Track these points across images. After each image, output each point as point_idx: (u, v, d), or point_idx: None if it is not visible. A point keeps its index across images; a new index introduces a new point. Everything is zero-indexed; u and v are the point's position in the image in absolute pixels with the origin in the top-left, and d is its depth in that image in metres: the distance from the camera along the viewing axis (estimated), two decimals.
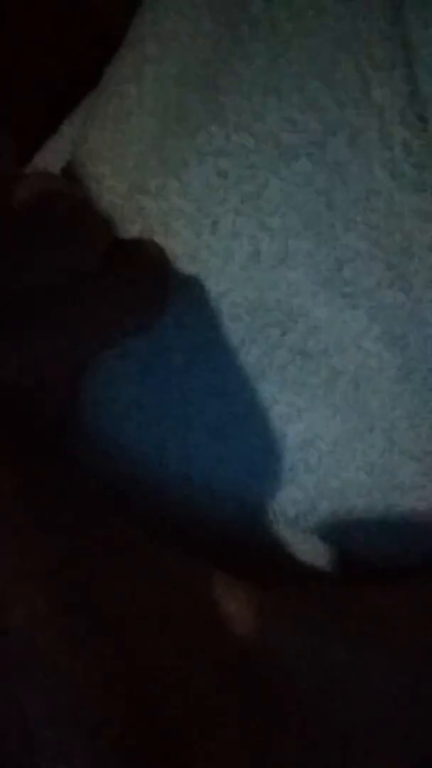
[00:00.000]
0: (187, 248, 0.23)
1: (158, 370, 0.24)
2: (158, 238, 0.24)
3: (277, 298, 0.23)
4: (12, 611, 0.16)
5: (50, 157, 0.28)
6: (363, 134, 0.22)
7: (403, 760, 0.20)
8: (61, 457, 0.25)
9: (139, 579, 0.19)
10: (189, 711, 0.17)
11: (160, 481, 0.25)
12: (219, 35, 0.24)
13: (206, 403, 0.24)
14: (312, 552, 0.25)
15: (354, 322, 0.23)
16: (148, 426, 0.24)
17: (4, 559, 0.17)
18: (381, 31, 0.22)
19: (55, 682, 0.16)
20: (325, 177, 0.23)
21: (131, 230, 0.24)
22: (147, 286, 0.23)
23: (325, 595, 0.23)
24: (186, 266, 0.23)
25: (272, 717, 0.19)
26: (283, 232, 0.23)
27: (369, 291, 0.22)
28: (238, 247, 0.23)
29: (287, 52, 0.23)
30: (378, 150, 0.22)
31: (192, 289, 0.24)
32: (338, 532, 0.25)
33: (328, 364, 0.23)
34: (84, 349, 0.22)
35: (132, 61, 0.26)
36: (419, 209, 0.22)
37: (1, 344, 0.19)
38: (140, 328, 0.23)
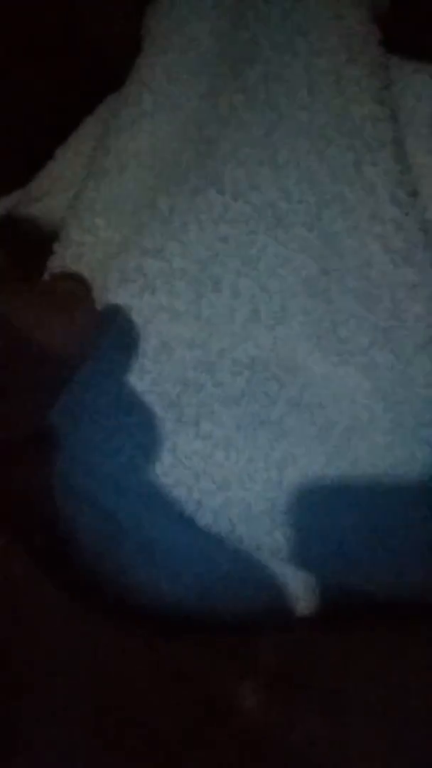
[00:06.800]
0: (189, 306, 0.24)
1: (167, 424, 0.25)
2: (160, 296, 0.25)
3: (275, 355, 0.25)
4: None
5: (46, 183, 0.29)
6: (356, 209, 0.24)
7: None
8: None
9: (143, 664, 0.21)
10: None
11: (159, 529, 0.26)
12: (215, 101, 0.26)
13: (211, 454, 0.25)
14: (302, 589, 0.27)
15: (347, 378, 0.24)
16: (159, 474, 0.25)
17: None
18: (371, 111, 0.24)
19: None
20: (320, 245, 0.24)
21: (131, 289, 0.25)
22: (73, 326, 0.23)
23: (322, 656, 0.25)
24: (188, 324, 0.24)
25: None
26: (281, 292, 0.24)
27: (362, 350, 0.24)
28: (239, 306, 0.24)
29: (281, 125, 0.24)
30: (371, 225, 0.23)
31: (194, 347, 0.25)
32: (329, 572, 0.26)
33: (323, 415, 0.25)
34: (37, 403, 0.22)
35: (128, 116, 0.27)
36: (409, 282, 0.23)
37: None
38: (80, 363, 0.23)
